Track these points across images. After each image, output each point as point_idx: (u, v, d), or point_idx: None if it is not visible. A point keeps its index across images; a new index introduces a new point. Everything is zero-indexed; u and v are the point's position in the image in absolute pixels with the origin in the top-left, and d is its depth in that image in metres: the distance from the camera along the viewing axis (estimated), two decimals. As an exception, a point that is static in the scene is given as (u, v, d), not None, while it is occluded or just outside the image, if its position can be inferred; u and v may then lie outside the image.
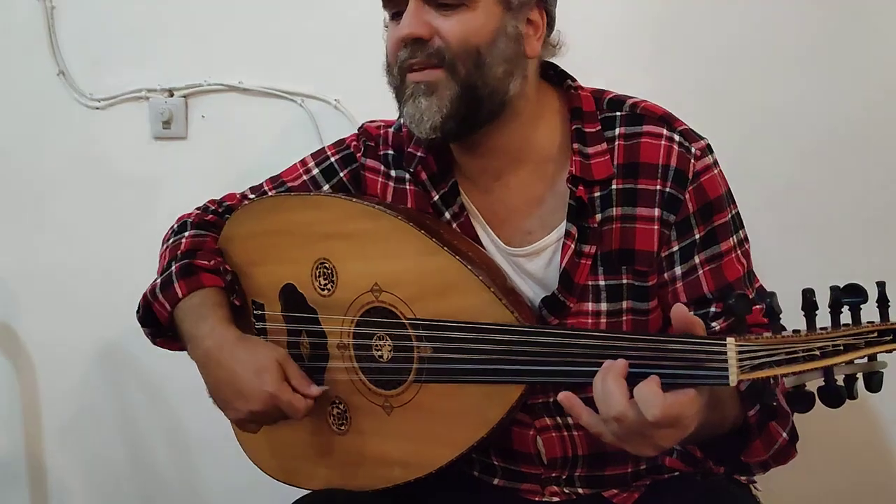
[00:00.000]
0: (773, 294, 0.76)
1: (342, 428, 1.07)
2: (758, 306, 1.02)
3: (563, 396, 0.81)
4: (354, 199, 1.05)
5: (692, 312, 0.98)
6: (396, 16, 1.01)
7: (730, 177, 1.04)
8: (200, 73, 1.64)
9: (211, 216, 1.21)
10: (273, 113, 1.64)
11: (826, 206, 1.51)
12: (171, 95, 1.66)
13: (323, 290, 1.06)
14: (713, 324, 1.01)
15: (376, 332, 1.02)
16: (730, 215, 1.03)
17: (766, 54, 1.49)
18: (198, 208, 1.24)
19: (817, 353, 0.72)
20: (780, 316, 0.75)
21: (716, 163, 1.03)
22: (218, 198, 1.24)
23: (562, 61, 1.09)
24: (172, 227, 1.21)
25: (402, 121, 1.11)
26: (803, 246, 1.52)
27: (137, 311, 1.14)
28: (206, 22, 1.63)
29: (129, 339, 1.64)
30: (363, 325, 1.03)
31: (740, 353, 0.72)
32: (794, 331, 0.73)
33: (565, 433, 1.03)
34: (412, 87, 0.98)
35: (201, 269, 1.10)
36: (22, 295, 1.72)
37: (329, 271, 1.05)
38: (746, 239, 1.06)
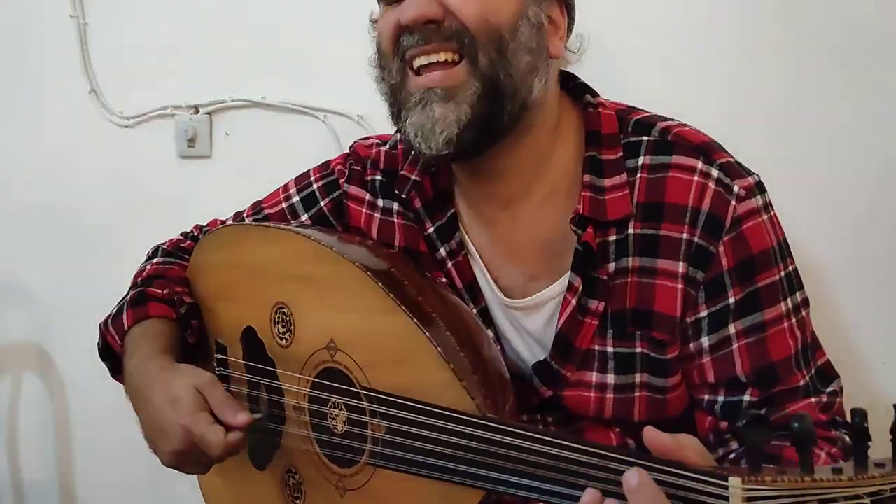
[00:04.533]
0: (804, 417, 0.49)
1: (297, 502, 0.86)
2: (813, 399, 0.75)
3: None
4: (313, 238, 0.83)
5: (723, 396, 0.73)
6: (391, 2, 0.78)
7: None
8: (224, 89, 1.50)
9: (189, 242, 1.04)
10: (296, 129, 1.47)
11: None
12: (197, 112, 1.51)
13: (281, 339, 0.86)
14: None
15: (331, 399, 0.81)
16: (780, 275, 0.76)
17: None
18: (182, 233, 1.08)
19: (866, 501, 0.45)
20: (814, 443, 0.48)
21: (767, 206, 0.76)
22: (204, 223, 1.08)
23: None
24: (148, 252, 1.06)
25: (398, 136, 0.90)
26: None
27: (98, 343, 0.98)
28: (229, 38, 1.48)
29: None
30: (318, 388, 0.82)
31: (747, 500, 0.46)
32: (834, 469, 0.46)
33: None
34: (422, 94, 0.76)
35: (151, 299, 0.92)
36: (55, 316, 1.62)
37: (287, 319, 0.85)
38: (806, 303, 0.78)
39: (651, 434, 0.56)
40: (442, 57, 0.76)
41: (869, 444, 0.48)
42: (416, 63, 0.77)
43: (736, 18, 1.23)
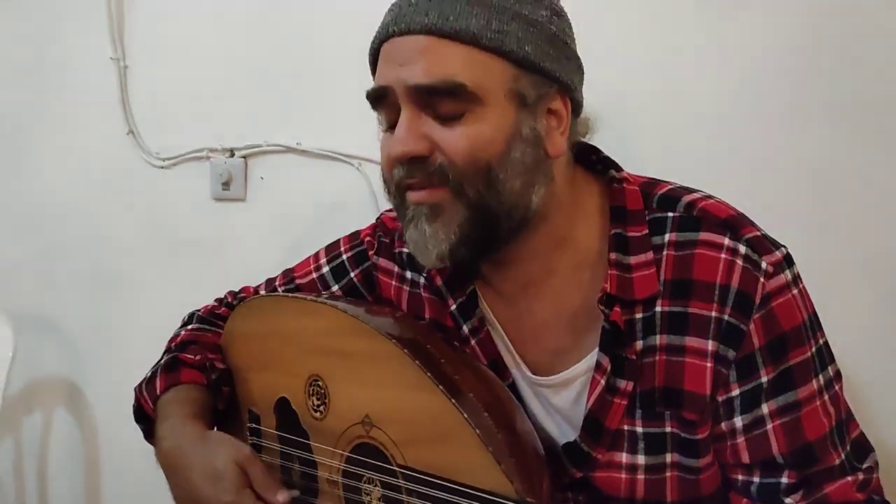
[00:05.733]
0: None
1: (329, 575, 0.85)
2: (850, 477, 0.73)
3: None
4: (349, 312, 0.82)
5: (758, 477, 0.72)
6: (391, 125, 0.77)
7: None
8: (260, 134, 1.50)
9: (223, 309, 1.03)
10: (330, 175, 1.46)
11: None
12: (232, 155, 1.52)
13: (315, 411, 0.85)
14: (786, 500, 0.72)
15: (366, 474, 0.79)
16: (812, 350, 0.73)
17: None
18: (216, 299, 1.07)
19: None
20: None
21: (796, 280, 0.74)
22: (236, 289, 1.08)
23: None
24: (183, 318, 1.05)
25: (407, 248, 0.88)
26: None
27: (133, 405, 0.97)
28: (266, 84, 1.48)
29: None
30: (353, 463, 0.81)
31: None
32: None
33: None
34: (413, 209, 0.74)
35: (183, 364, 0.91)
36: (88, 353, 1.63)
37: (322, 391, 0.84)
38: (838, 377, 0.75)
39: None
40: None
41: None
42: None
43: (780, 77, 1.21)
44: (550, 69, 0.74)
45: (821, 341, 0.75)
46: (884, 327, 1.17)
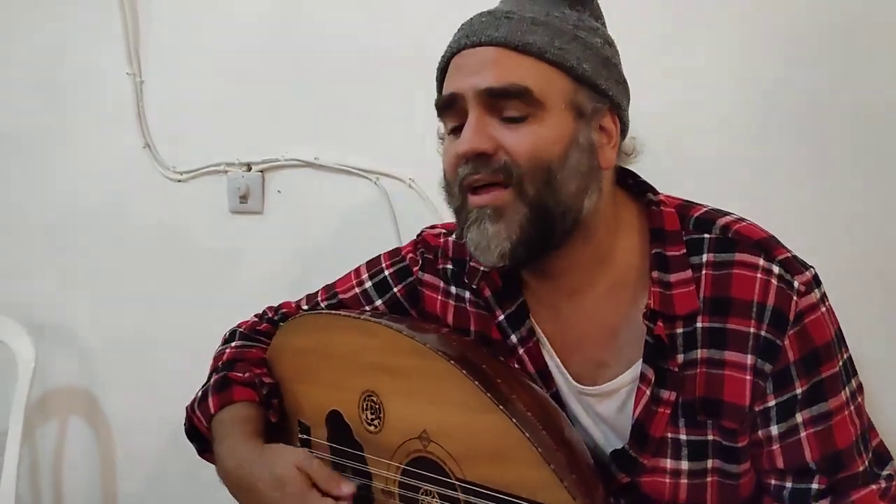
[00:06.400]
0: None
1: (385, 580, 0.89)
2: (874, 486, 0.79)
3: None
4: (405, 332, 0.86)
5: (791, 482, 0.78)
6: (456, 129, 0.83)
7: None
8: (278, 149, 1.52)
9: (265, 325, 1.07)
10: (348, 189, 1.49)
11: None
12: (249, 170, 1.54)
13: (370, 425, 0.89)
14: None
15: (423, 486, 0.84)
16: (840, 364, 0.80)
17: None
18: (256, 315, 1.11)
19: None
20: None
21: (823, 298, 0.81)
22: (291, 296, 1.11)
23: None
24: (224, 335, 1.08)
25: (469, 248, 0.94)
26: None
27: (185, 425, 1.01)
28: (284, 98, 1.51)
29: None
30: (409, 475, 0.85)
31: None
32: None
33: None
34: (476, 212, 0.80)
35: (234, 383, 0.96)
36: (104, 363, 1.64)
37: (377, 407, 0.88)
38: (860, 388, 0.82)
39: None
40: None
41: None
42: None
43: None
44: (605, 87, 0.82)
45: (846, 355, 0.82)
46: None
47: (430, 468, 0.83)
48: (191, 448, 1.61)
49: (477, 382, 0.78)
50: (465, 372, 0.80)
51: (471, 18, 0.85)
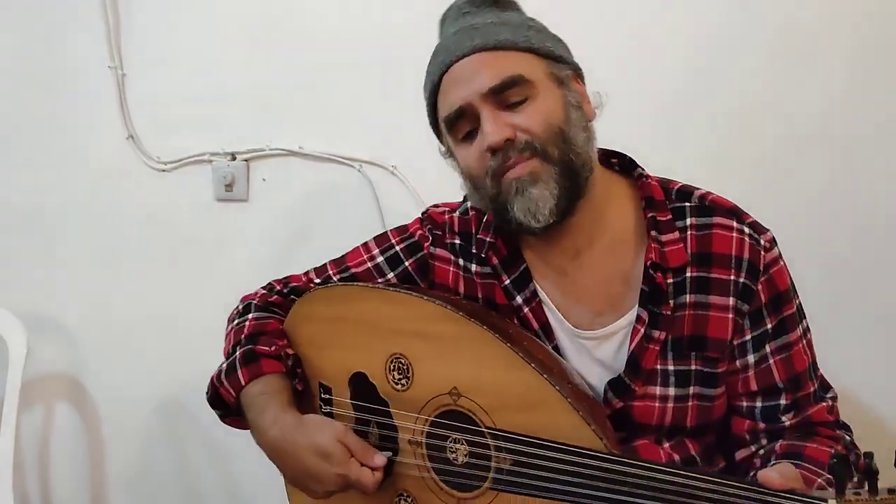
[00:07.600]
0: (870, 454, 0.69)
1: (413, 522, 1.00)
2: (823, 403, 0.98)
3: None
4: (437, 301, 0.97)
5: (761, 401, 0.97)
6: (470, 134, 0.96)
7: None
8: (262, 138, 1.59)
9: (276, 297, 1.14)
10: (332, 177, 1.58)
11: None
12: (234, 159, 1.60)
13: (397, 384, 0.99)
14: (783, 418, 0.97)
15: (451, 435, 0.95)
16: (795, 306, 0.99)
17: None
18: (263, 288, 1.17)
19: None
20: (878, 476, 0.67)
21: (781, 255, 0.99)
22: (281, 276, 1.18)
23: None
24: (237, 307, 1.15)
25: (468, 203, 1.07)
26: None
27: (207, 393, 1.08)
28: (268, 88, 1.57)
29: (190, 393, 1.58)
30: (438, 426, 0.96)
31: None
32: (890, 490, 0.66)
33: None
34: (515, 184, 0.93)
35: (262, 356, 1.04)
36: (89, 348, 1.67)
37: (405, 367, 0.99)
38: (809, 329, 1.01)
39: (764, 477, 0.74)
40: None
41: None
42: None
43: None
44: (565, 57, 0.99)
45: (797, 300, 1.00)
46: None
47: (459, 419, 0.94)
48: (177, 431, 1.69)
49: (509, 344, 0.90)
50: (497, 335, 0.91)
51: (442, 42, 1.00)
